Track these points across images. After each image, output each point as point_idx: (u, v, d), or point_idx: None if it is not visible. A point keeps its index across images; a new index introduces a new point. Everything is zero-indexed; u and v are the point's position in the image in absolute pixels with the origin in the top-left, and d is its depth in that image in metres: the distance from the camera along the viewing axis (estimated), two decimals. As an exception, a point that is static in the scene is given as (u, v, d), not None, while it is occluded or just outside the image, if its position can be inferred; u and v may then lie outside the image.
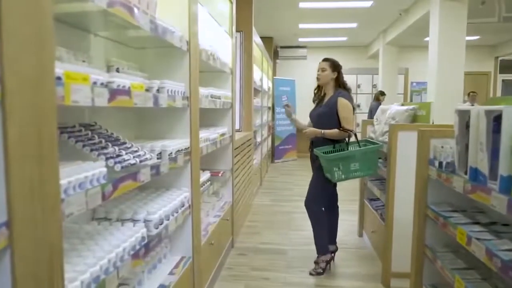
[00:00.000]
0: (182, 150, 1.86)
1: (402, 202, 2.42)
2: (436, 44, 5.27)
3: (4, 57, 0.69)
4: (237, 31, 4.53)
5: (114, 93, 1.17)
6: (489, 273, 1.45)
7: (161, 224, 1.59)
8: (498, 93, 9.50)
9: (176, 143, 1.83)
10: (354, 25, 7.75)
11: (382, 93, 7.76)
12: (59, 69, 0.90)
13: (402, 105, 3.13)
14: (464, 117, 1.48)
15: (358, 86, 9.81)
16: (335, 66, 2.75)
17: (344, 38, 9.09)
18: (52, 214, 0.85)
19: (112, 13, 1.18)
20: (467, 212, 1.63)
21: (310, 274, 2.75)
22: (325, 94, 2.83)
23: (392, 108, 3.03)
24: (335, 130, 2.64)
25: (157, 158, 1.66)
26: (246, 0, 4.55)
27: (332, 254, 2.91)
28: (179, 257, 2.03)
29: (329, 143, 2.68)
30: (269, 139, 8.28)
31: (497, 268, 1.15)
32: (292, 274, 2.78)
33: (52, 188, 0.85)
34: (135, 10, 1.31)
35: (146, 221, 1.52)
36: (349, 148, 2.63)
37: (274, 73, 9.51)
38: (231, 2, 3.39)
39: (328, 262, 2.80)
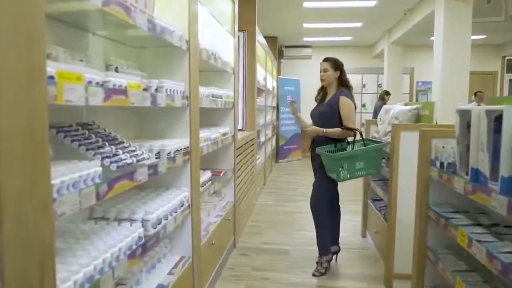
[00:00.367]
0: (181, 149, 1.86)
1: (405, 203, 2.39)
2: (441, 43, 5.22)
3: (-7, 56, 0.69)
4: (240, 30, 4.53)
5: (110, 92, 1.17)
6: (490, 276, 1.42)
7: (159, 224, 1.59)
8: (505, 93, 9.38)
9: (175, 142, 1.82)
10: (359, 24, 7.71)
11: (387, 93, 7.71)
12: (52, 68, 0.90)
13: (406, 104, 3.10)
14: (465, 117, 1.45)
15: (363, 85, 9.76)
16: (337, 65, 2.72)
17: (349, 38, 9.05)
18: (43, 213, 0.84)
19: (108, 12, 1.17)
20: (469, 213, 1.61)
21: (313, 275, 2.73)
22: (327, 92, 2.81)
23: (396, 107, 3.01)
24: (338, 129, 2.61)
25: (156, 158, 1.65)
26: (249, -1, 4.55)
27: (334, 255, 2.90)
28: (179, 257, 2.02)
29: (331, 142, 2.66)
30: (274, 139, 8.26)
31: (498, 271, 1.12)
32: (294, 275, 2.76)
33: (44, 188, 0.84)
34: (132, 9, 1.30)
35: (143, 221, 1.52)
36: (354, 147, 2.60)
37: (278, 73, 9.49)
38: (233, 2, 3.38)
39: (328, 262, 2.78)
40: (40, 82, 0.83)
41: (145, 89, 1.59)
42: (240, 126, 4.74)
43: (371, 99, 9.57)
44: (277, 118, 8.64)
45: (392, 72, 8.72)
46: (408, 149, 2.36)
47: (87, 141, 1.34)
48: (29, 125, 0.79)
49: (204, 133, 2.35)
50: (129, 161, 1.36)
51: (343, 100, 2.64)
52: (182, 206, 1.88)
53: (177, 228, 1.96)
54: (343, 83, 2.74)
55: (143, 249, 1.43)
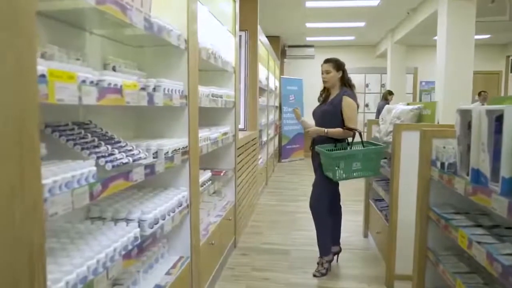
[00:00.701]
0: (179, 149, 1.85)
1: (406, 203, 2.36)
2: (444, 43, 5.18)
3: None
4: (242, 30, 4.52)
5: (104, 91, 1.16)
6: (491, 278, 1.40)
7: (156, 224, 1.58)
8: (510, 93, 9.29)
9: (173, 142, 1.82)
10: (362, 24, 7.67)
11: (390, 93, 7.66)
12: (43, 66, 0.89)
13: (408, 104, 3.08)
14: (466, 117, 1.43)
15: (366, 85, 9.72)
16: (339, 66, 2.69)
17: (352, 37, 9.00)
18: (33, 213, 0.83)
19: (103, 10, 1.16)
20: (470, 214, 1.58)
21: (314, 275, 2.71)
22: (329, 92, 2.79)
23: (398, 107, 2.98)
24: (339, 129, 2.59)
25: (153, 157, 1.65)
26: (251, -1, 4.54)
27: (335, 255, 2.88)
28: (177, 257, 2.01)
29: (331, 142, 2.64)
30: (276, 139, 8.24)
31: (498, 274, 1.10)
32: (294, 275, 2.74)
33: (34, 188, 0.84)
34: (128, 7, 1.29)
35: (140, 221, 1.51)
36: (353, 148, 2.58)
37: (281, 72, 9.47)
38: (234, 1, 3.37)
39: (329, 263, 2.76)
40: (30, 80, 0.82)
41: (142, 88, 1.58)
42: (241, 126, 4.72)
43: (374, 99, 9.52)
44: (280, 117, 8.62)
45: (395, 72, 8.67)
46: (409, 149, 2.33)
47: (82, 140, 1.33)
48: (19, 124, 0.78)
49: (203, 133, 2.34)
50: (125, 160, 1.35)
51: (346, 100, 2.62)
52: (180, 206, 1.87)
53: (175, 228, 1.95)
54: (345, 83, 2.72)
55: (139, 249, 1.42)
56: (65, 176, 1.02)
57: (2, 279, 0.74)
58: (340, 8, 6.55)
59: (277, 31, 8.41)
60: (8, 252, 0.76)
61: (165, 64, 1.92)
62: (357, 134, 2.57)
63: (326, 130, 2.62)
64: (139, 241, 1.42)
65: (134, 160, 1.41)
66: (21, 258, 0.79)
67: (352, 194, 4.63)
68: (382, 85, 9.54)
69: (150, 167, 1.51)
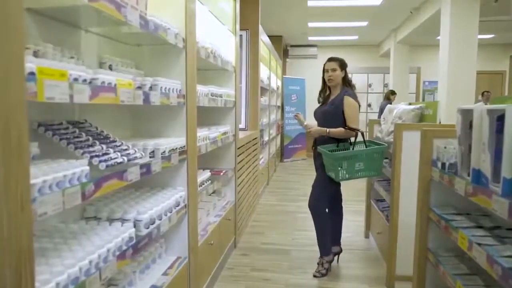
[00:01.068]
0: (177, 148, 1.83)
1: (407, 204, 2.33)
2: (447, 42, 5.13)
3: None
4: (243, 29, 4.50)
5: (97, 90, 1.14)
6: (492, 280, 1.37)
7: (152, 224, 1.56)
8: (514, 92, 9.22)
9: (171, 141, 1.80)
10: (364, 23, 7.63)
11: (392, 92, 7.61)
12: (32, 64, 0.87)
13: (410, 104, 3.04)
14: (467, 116, 1.40)
15: (369, 85, 9.68)
16: (343, 65, 2.67)
17: (355, 37, 8.96)
18: (21, 214, 0.82)
19: (97, 8, 1.15)
20: (471, 215, 1.55)
21: (314, 276, 2.69)
22: (330, 92, 2.76)
23: (399, 107, 2.95)
24: (341, 129, 2.57)
25: (150, 157, 1.63)
26: (252, -2, 4.52)
27: (335, 256, 2.85)
28: (175, 257, 2.00)
29: (333, 142, 2.62)
30: (278, 138, 8.21)
31: (498, 276, 1.08)
32: (294, 275, 2.72)
33: (21, 187, 0.82)
34: (123, 5, 1.28)
35: (136, 221, 1.49)
36: (355, 148, 2.56)
37: (284, 72, 9.44)
38: (235, 1, 3.35)
39: (329, 263, 2.73)
40: (17, 78, 0.80)
41: (139, 87, 1.57)
42: (242, 126, 4.70)
43: (377, 99, 9.48)
44: (282, 117, 8.59)
45: (398, 72, 8.62)
46: (410, 149, 2.30)
47: (76, 139, 1.31)
48: (5, 122, 0.77)
49: (202, 132, 2.32)
50: (119, 160, 1.33)
51: (348, 100, 2.59)
52: (178, 206, 1.85)
53: (172, 228, 1.93)
54: (346, 82, 2.70)
55: (134, 249, 1.40)
56: (56, 175, 1.00)
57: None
58: (342, 7, 6.52)
59: (279, 31, 8.38)
60: (-7, 253, 0.74)
61: (162, 63, 1.91)
62: (359, 134, 2.54)
63: (328, 130, 2.59)
64: (134, 241, 1.40)
65: (129, 160, 1.40)
66: (7, 259, 0.78)
67: (353, 194, 4.59)
68: (385, 85, 9.50)
69: (146, 167, 1.49)
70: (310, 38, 9.15)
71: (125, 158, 1.37)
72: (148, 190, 1.91)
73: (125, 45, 1.90)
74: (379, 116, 7.06)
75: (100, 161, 1.24)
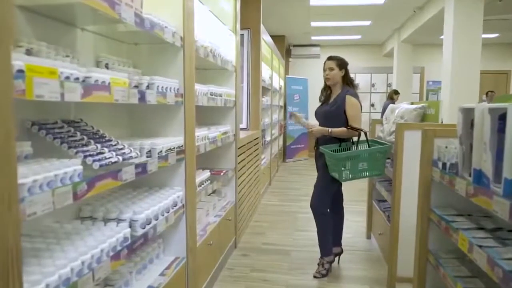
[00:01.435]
0: (174, 148, 1.81)
1: (409, 204, 2.30)
2: (450, 42, 5.08)
3: None
4: (244, 28, 4.49)
5: (90, 88, 1.12)
6: (493, 283, 1.34)
7: (148, 224, 1.55)
8: (519, 92, 9.12)
9: (168, 141, 1.78)
10: (367, 23, 7.58)
11: (396, 92, 7.56)
12: (20, 61, 0.86)
13: (412, 103, 3.01)
14: (468, 115, 1.38)
15: (372, 85, 9.62)
16: (342, 64, 2.64)
17: (358, 36, 8.91)
18: (8, 213, 0.80)
19: (89, 5, 1.13)
20: (473, 216, 1.52)
21: (314, 276, 2.67)
22: (331, 92, 2.73)
23: (401, 106, 2.92)
24: (343, 129, 2.54)
25: (147, 156, 1.62)
26: (253, -3, 4.50)
27: (336, 257, 2.83)
28: (173, 257, 1.98)
29: (335, 141, 2.59)
30: (281, 138, 8.19)
31: (499, 279, 1.05)
32: (294, 276, 2.70)
33: (8, 187, 0.80)
34: (116, 2, 1.26)
35: (132, 221, 1.48)
36: (358, 147, 2.53)
37: (287, 72, 9.41)
38: (235, 0, 3.33)
39: (330, 264, 2.71)
40: (4, 75, 0.79)
41: (135, 86, 1.55)
42: (244, 126, 4.68)
43: (380, 99, 9.41)
44: (285, 117, 8.56)
45: (402, 71, 8.56)
46: (412, 149, 2.27)
47: (71, 138, 1.30)
48: (-9, 120, 0.75)
49: (201, 132, 2.31)
50: (114, 159, 1.31)
51: (350, 100, 2.56)
52: (175, 206, 1.84)
53: (170, 228, 1.92)
54: (347, 82, 2.67)
55: (129, 250, 1.39)
56: (47, 175, 0.99)
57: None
58: (345, 6, 6.48)
59: (282, 31, 8.36)
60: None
61: (160, 61, 1.89)
62: (362, 133, 2.51)
63: (330, 130, 2.56)
64: (129, 241, 1.39)
65: (124, 159, 1.38)
66: (-8, 260, 0.76)
67: (355, 194, 4.56)
68: (388, 85, 9.44)
69: (141, 166, 1.48)
70: (313, 37, 9.11)
71: (120, 158, 1.35)
72: (146, 190, 1.89)
73: (122, 44, 1.89)
74: (382, 116, 7.04)
75: (94, 161, 1.23)
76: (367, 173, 2.47)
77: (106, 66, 1.64)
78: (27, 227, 1.32)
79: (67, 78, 1.05)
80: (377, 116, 7.98)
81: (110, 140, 1.46)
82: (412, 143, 2.27)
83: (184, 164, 1.95)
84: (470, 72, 5.01)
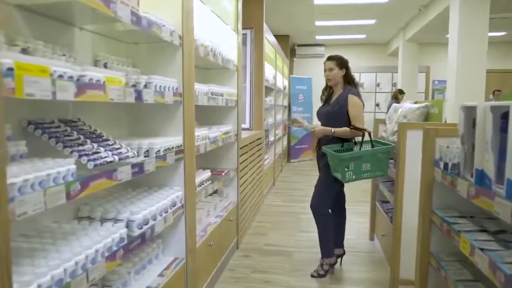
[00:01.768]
0: (173, 148, 1.80)
1: (411, 205, 2.26)
2: (456, 40, 5.02)
3: None
4: (247, 28, 4.47)
5: (84, 87, 1.11)
6: (496, 287, 1.31)
7: (146, 225, 1.54)
8: (527, 92, 8.98)
9: (167, 140, 1.77)
10: (372, 21, 7.52)
11: (401, 92, 7.50)
12: (9, 59, 0.85)
13: (415, 103, 2.97)
14: (470, 114, 1.34)
15: (377, 84, 9.55)
16: (342, 63, 2.61)
17: (363, 36, 8.85)
18: (-4, 213, 0.79)
19: (84, 3, 1.12)
20: (475, 218, 1.49)
21: (312, 275, 2.65)
22: (333, 91, 2.71)
23: (405, 106, 2.88)
24: (346, 129, 2.51)
25: (145, 156, 1.61)
26: (256, -4, 4.48)
27: (338, 258, 2.80)
28: (172, 258, 1.97)
29: (338, 141, 2.56)
30: (285, 139, 8.15)
31: (501, 284, 1.02)
32: (296, 278, 2.67)
33: (-3, 186, 0.79)
34: (112, 0, 1.25)
35: (129, 221, 1.47)
36: (361, 148, 2.49)
37: (291, 72, 9.38)
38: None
39: (332, 266, 2.68)
40: (-7, 73, 0.78)
41: (133, 85, 1.55)
42: (247, 126, 4.67)
43: (385, 98, 9.34)
44: (289, 117, 8.53)
45: (407, 71, 8.49)
46: (414, 149, 2.23)
47: (66, 138, 1.29)
48: (-22, 119, 0.74)
49: (202, 132, 2.29)
50: (109, 159, 1.30)
51: (352, 99, 2.53)
52: (174, 206, 1.83)
53: (169, 229, 1.91)
54: (349, 81, 2.64)
55: (125, 250, 1.38)
56: (38, 174, 0.98)
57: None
58: (350, 5, 6.43)
59: (286, 30, 8.33)
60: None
61: (159, 61, 1.88)
62: (366, 133, 2.47)
63: (333, 129, 2.53)
64: (125, 242, 1.38)
65: (120, 159, 1.37)
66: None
67: (358, 195, 4.52)
68: (394, 84, 9.37)
69: (138, 166, 1.47)
70: (317, 37, 9.07)
71: (116, 157, 1.34)
72: (145, 189, 1.88)
73: (121, 43, 1.88)
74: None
75: (89, 160, 1.22)
76: (370, 174, 2.43)
77: (105, 66, 1.64)
78: (25, 227, 1.32)
79: (60, 76, 1.04)
80: (382, 116, 7.92)
81: (107, 140, 1.45)
82: (414, 143, 2.23)
83: (183, 164, 1.94)
84: (476, 71, 4.94)
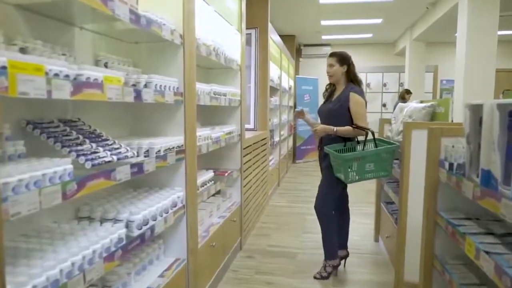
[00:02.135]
0: (173, 148, 1.79)
1: (416, 207, 2.22)
2: (464, 39, 4.94)
3: None
4: (252, 27, 4.45)
5: (80, 86, 1.10)
6: (503, 291, 1.27)
7: (145, 225, 1.52)
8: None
9: (167, 140, 1.76)
10: (378, 20, 7.46)
11: (408, 92, 7.41)
12: (3, 58, 0.84)
13: (421, 102, 2.92)
14: (477, 112, 1.31)
15: (384, 84, 9.46)
16: (343, 60, 2.55)
17: (369, 35, 8.78)
18: (-12, 213, 0.78)
19: (81, 1, 1.11)
20: (481, 220, 1.45)
21: (314, 277, 2.62)
22: (335, 88, 2.66)
23: (410, 105, 2.84)
24: (349, 128, 2.46)
25: (145, 156, 1.59)
26: (261, -4, 4.46)
27: (342, 260, 2.76)
28: (173, 259, 1.96)
29: (340, 141, 2.52)
30: (290, 139, 8.12)
31: (506, 288, 0.98)
32: (298, 279, 2.64)
33: (-12, 186, 0.79)
34: (110, -1, 1.24)
35: (128, 222, 1.46)
36: (365, 147, 2.45)
37: (297, 72, 9.34)
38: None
39: (335, 267, 2.64)
40: (-16, 72, 0.77)
41: (133, 85, 1.54)
42: (251, 126, 4.65)
43: (392, 99, 9.25)
44: (294, 118, 8.49)
45: (414, 70, 8.39)
46: (420, 149, 2.18)
47: (66, 137, 1.29)
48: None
49: (204, 132, 2.28)
50: (108, 159, 1.29)
51: (354, 97, 2.48)
52: (175, 206, 1.81)
53: (170, 229, 1.90)
54: (351, 78, 2.59)
55: (124, 251, 1.36)
56: (34, 174, 0.97)
57: None
58: (356, 3, 6.38)
59: (292, 30, 8.30)
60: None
61: (160, 60, 1.87)
62: (369, 133, 2.43)
63: (335, 128, 2.47)
64: (123, 242, 1.37)
65: (119, 159, 1.36)
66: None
67: (363, 195, 4.48)
68: (401, 84, 9.28)
69: (137, 166, 1.45)
70: (323, 37, 9.02)
71: (115, 157, 1.33)
72: (146, 190, 1.88)
73: (122, 43, 1.87)
74: (394, 116, 6.90)
75: (87, 160, 1.21)
76: (374, 174, 2.38)
77: (105, 65, 1.63)
78: (25, 227, 1.32)
79: (56, 75, 1.03)
80: (389, 116, 7.84)
81: (106, 140, 1.44)
82: (420, 143, 2.18)
83: (185, 164, 1.93)
84: (485, 70, 4.86)
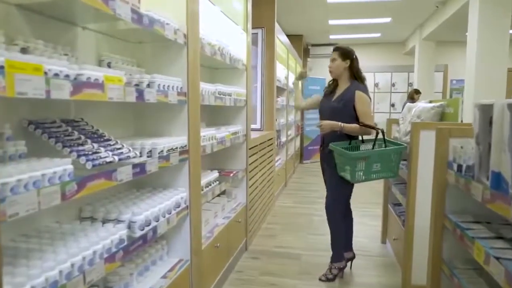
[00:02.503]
0: (177, 148, 1.78)
1: (424, 209, 2.17)
2: (475, 38, 4.85)
3: None
4: (258, 27, 4.43)
5: (80, 86, 1.10)
6: (514, 298, 1.23)
7: (147, 226, 1.51)
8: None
9: (171, 140, 1.75)
10: (387, 20, 7.37)
11: (417, 92, 7.31)
12: (0, 57, 0.83)
13: (430, 102, 2.87)
14: (487, 112, 1.26)
15: (393, 84, 9.36)
16: (345, 54, 2.49)
17: (378, 34, 8.70)
18: (-16, 214, 0.78)
19: (81, 1, 1.10)
20: (492, 224, 1.41)
21: (320, 279, 2.58)
22: (337, 85, 2.60)
23: (419, 105, 2.78)
24: (356, 125, 2.39)
25: (148, 156, 1.59)
26: (268, -5, 4.44)
27: (348, 262, 2.73)
28: (177, 259, 1.95)
29: (345, 139, 2.46)
30: (298, 139, 8.07)
31: (517, 295, 0.94)
32: (303, 281, 2.62)
33: (-15, 186, 0.78)
34: (111, -2, 1.23)
35: (130, 222, 1.45)
36: (374, 147, 2.40)
37: (304, 72, 9.26)
38: (247, -1, 3.28)
39: (341, 270, 2.61)
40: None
41: (136, 85, 1.53)
42: (258, 126, 4.63)
43: (401, 99, 9.15)
44: (302, 118, 8.45)
45: (424, 70, 8.28)
46: (428, 150, 2.13)
47: (67, 138, 1.28)
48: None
49: (207, 132, 2.26)
50: (109, 159, 1.28)
51: (360, 96, 2.42)
52: (178, 207, 1.80)
53: (173, 230, 1.89)
54: (354, 74, 2.51)
55: (125, 251, 1.35)
56: (33, 174, 0.96)
57: None
58: (364, 2, 6.31)
59: (299, 30, 8.26)
60: None
61: (164, 60, 1.86)
62: (379, 132, 2.37)
63: (342, 124, 2.40)
64: (125, 243, 1.36)
65: (121, 159, 1.35)
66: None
67: (371, 197, 4.43)
68: (410, 84, 9.17)
69: (139, 166, 1.44)
70: (331, 36, 8.96)
71: (116, 158, 1.32)
72: (149, 190, 1.87)
73: (125, 43, 1.87)
74: (402, 116, 6.81)
75: (88, 160, 1.20)
76: (380, 175, 2.33)
77: (109, 65, 1.62)
78: (26, 227, 1.32)
79: (56, 75, 1.02)
80: (398, 117, 7.75)
81: (108, 140, 1.44)
82: (428, 143, 2.14)
83: (188, 165, 1.92)
84: (497, 70, 4.76)
